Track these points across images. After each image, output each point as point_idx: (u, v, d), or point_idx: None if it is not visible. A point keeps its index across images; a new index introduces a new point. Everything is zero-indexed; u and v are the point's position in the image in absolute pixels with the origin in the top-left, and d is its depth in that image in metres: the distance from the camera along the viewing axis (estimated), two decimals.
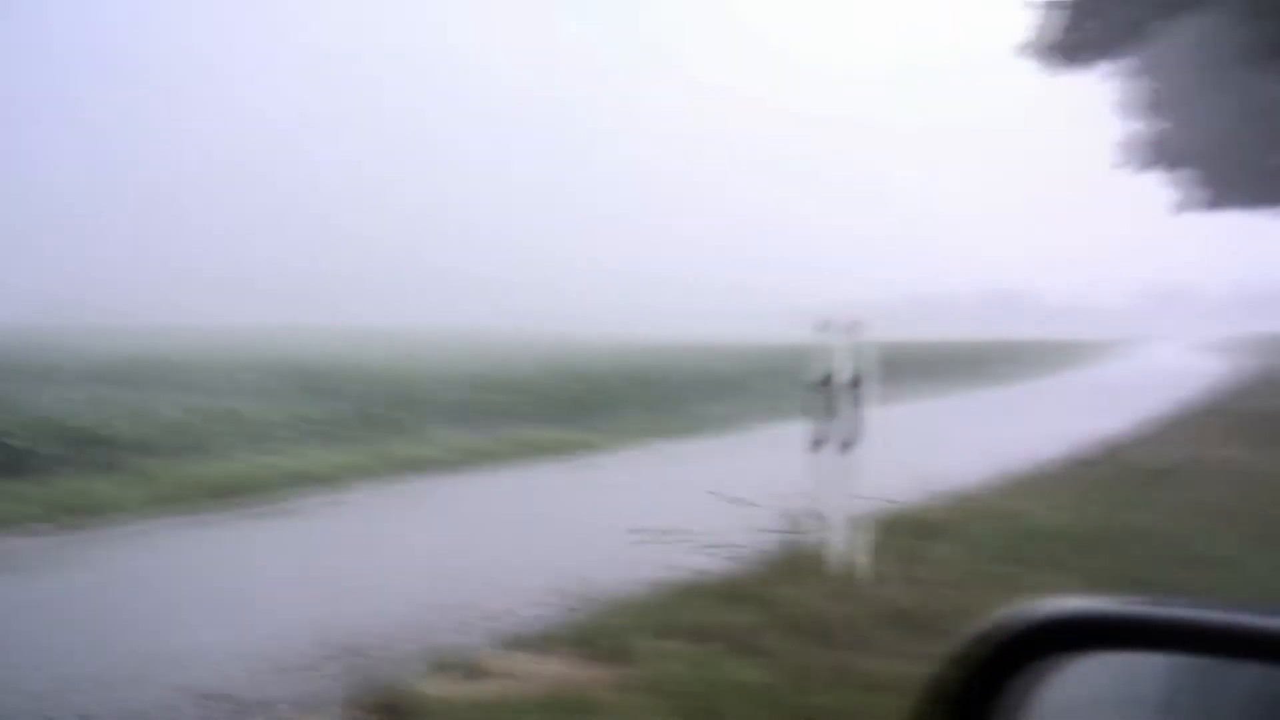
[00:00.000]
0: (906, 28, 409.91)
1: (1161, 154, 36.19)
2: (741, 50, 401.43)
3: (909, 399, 23.77)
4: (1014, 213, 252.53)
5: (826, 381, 7.43)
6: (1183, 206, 37.46)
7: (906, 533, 8.40)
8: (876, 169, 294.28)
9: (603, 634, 6.22)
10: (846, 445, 7.41)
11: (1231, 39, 26.27)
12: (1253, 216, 38.95)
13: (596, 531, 9.73)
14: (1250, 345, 64.49)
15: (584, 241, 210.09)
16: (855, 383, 7.42)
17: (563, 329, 67.46)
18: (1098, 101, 38.82)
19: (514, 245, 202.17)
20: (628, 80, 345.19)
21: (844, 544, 7.29)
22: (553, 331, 62.29)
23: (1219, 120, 32.11)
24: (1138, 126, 36.91)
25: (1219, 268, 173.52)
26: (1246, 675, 1.06)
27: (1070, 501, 9.86)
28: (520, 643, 6.31)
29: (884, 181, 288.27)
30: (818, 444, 7.48)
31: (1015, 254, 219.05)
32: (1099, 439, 14.78)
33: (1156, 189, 38.67)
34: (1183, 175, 36.77)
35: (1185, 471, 11.39)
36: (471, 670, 5.83)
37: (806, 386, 7.63)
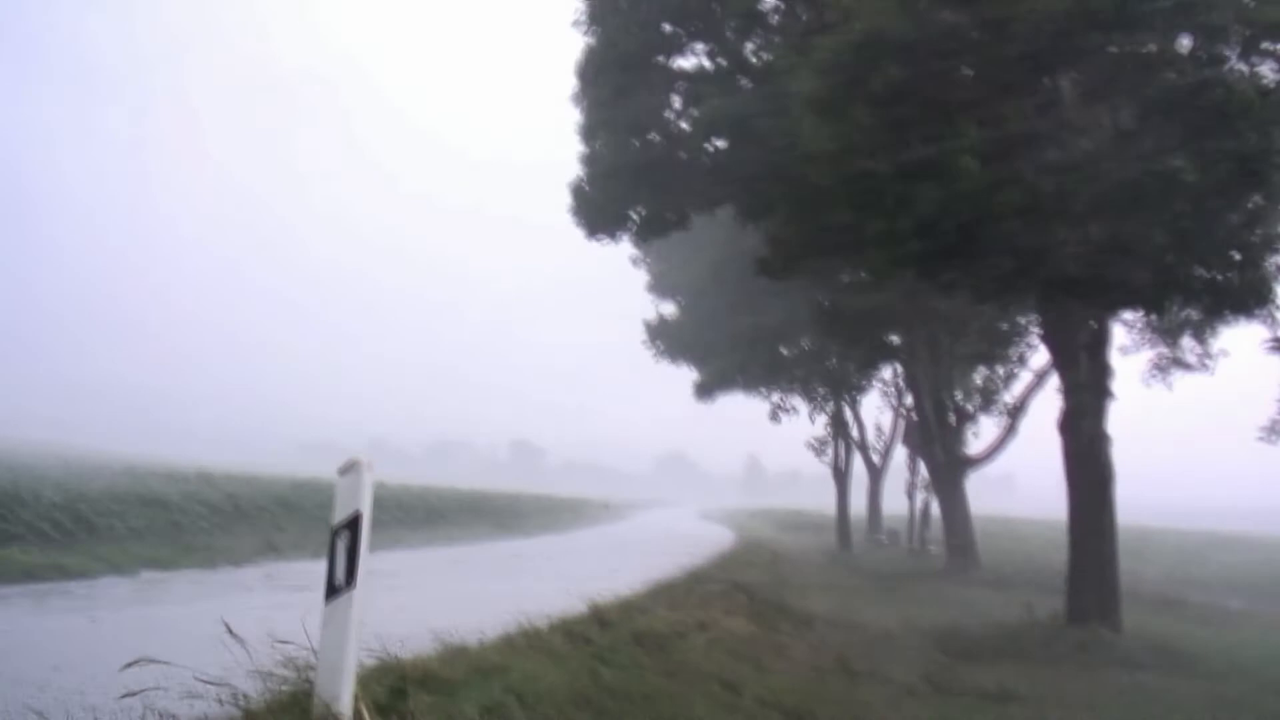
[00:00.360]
0: (466, 184, 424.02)
1: (675, 339, 39.37)
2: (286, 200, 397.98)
3: (429, 545, 23.35)
4: (549, 370, 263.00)
5: (346, 524, 6.79)
6: (696, 386, 40.63)
7: (401, 684, 7.91)
8: (416, 315, 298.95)
9: None
10: (341, 591, 6.79)
11: (731, 248, 29.30)
12: (751, 398, 43.08)
13: None
14: (744, 516, 70.69)
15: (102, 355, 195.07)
16: (356, 524, 6.84)
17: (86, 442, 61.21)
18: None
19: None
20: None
21: (334, 694, 6.63)
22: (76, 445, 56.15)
23: (722, 316, 35.55)
24: (662, 310, 40.13)
25: (724, 443, 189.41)
26: None
27: (563, 661, 9.76)
28: None
29: (423, 325, 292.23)
30: (332, 589, 6.77)
31: (543, 411, 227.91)
32: (606, 596, 15.00)
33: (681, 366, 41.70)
34: (691, 358, 40.17)
35: (681, 638, 11.73)
36: None
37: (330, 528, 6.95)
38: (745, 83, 20.20)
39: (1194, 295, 14.16)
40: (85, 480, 21.70)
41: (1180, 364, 27.21)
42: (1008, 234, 13.63)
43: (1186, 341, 26.68)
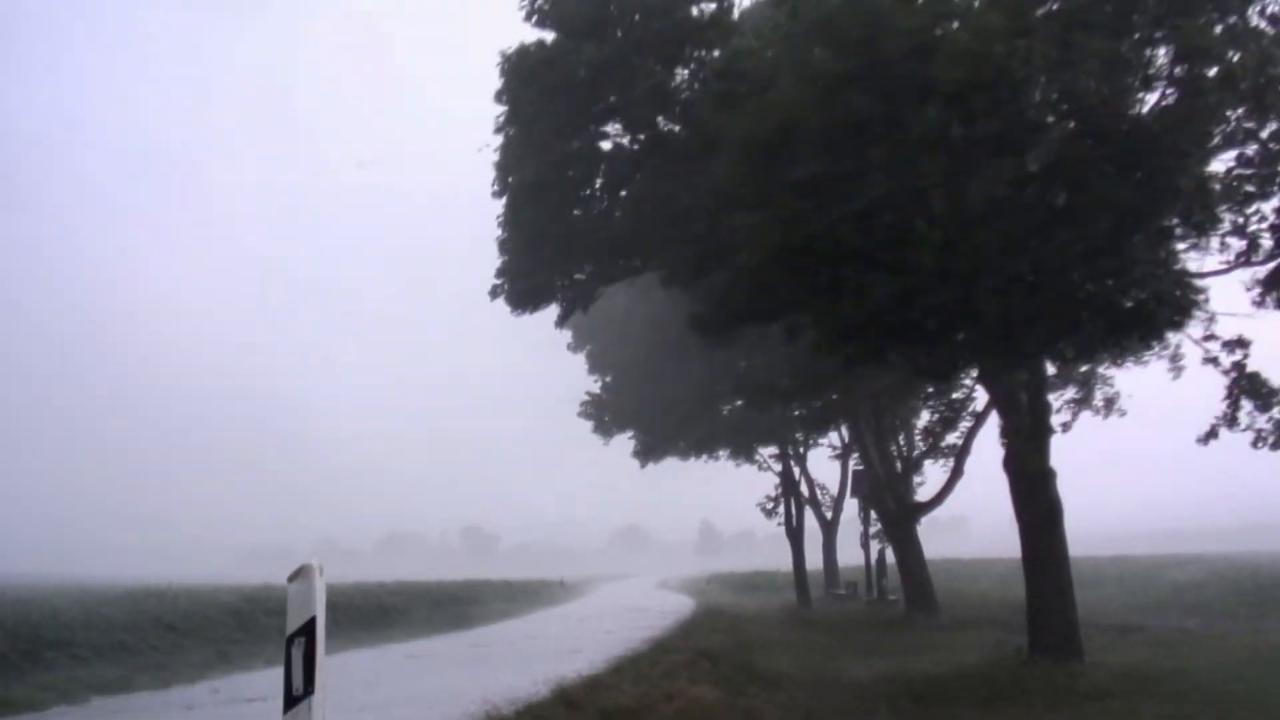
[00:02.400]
0: (402, 259, 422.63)
1: (607, 410, 39.57)
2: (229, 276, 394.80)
3: (385, 642, 22.97)
4: (495, 455, 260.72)
5: (301, 630, 6.64)
6: (636, 454, 40.77)
7: None
8: (349, 405, 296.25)
9: None
10: (300, 699, 6.64)
11: (659, 316, 29.72)
12: (690, 465, 43.34)
13: None
14: (702, 582, 70.52)
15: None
16: (312, 630, 6.72)
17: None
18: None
19: None
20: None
21: None
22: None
23: (651, 385, 35.86)
24: (592, 383, 40.39)
25: (676, 511, 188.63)
26: None
27: None
28: None
29: (361, 418, 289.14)
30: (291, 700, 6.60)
31: (493, 495, 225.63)
32: (576, 676, 14.85)
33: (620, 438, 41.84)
34: (629, 429, 40.39)
35: (649, 711, 11.62)
36: None
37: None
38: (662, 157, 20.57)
39: (1116, 322, 14.46)
40: (24, 608, 21.02)
41: (1089, 406, 29.01)
42: (946, 299, 13.96)
43: (1096, 388, 28.70)
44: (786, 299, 16.60)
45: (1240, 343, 15.79)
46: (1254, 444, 16.17)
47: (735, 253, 16.72)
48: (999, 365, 17.31)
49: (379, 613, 31.01)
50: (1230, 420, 16.20)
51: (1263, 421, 16.03)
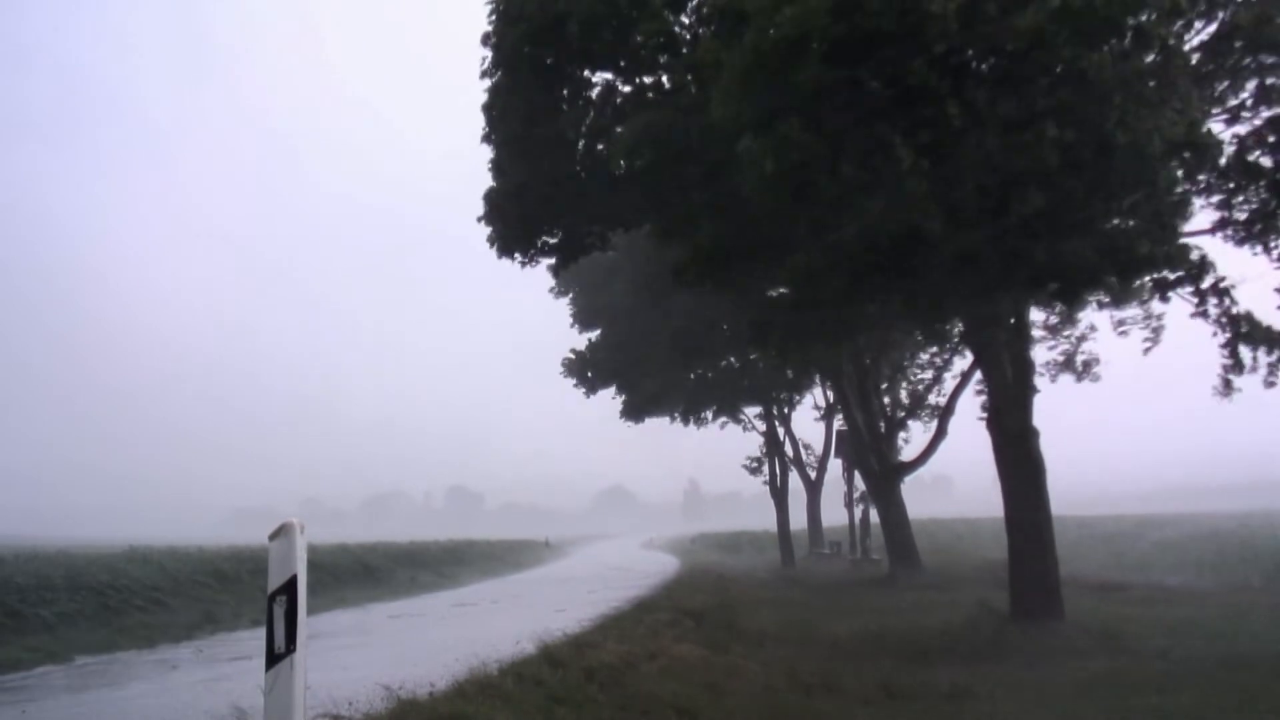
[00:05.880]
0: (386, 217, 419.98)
1: (599, 366, 39.33)
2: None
3: (371, 602, 23.00)
4: (481, 415, 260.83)
5: (282, 588, 6.62)
6: (623, 414, 40.50)
7: None
8: (337, 367, 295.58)
9: None
10: (282, 656, 6.63)
11: (646, 270, 29.39)
12: (676, 427, 43.23)
13: None
14: (686, 542, 70.93)
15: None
16: (293, 588, 6.70)
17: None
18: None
19: None
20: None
21: None
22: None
23: (638, 341, 35.67)
24: (580, 339, 40.11)
25: (661, 472, 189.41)
26: None
27: (517, 704, 9.64)
28: None
29: (348, 380, 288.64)
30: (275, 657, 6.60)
31: (478, 456, 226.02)
32: (555, 635, 14.91)
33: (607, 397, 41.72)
34: (616, 386, 40.16)
35: (632, 669, 11.68)
36: None
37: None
38: (657, 100, 20.17)
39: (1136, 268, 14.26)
40: (11, 570, 20.94)
41: (1071, 368, 28.91)
42: (951, 235, 13.78)
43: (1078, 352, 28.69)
44: (782, 231, 16.30)
45: (1220, 289, 15.64)
46: (1266, 384, 16.10)
47: (729, 194, 16.44)
48: (985, 315, 17.19)
49: (363, 572, 31.09)
50: (1235, 367, 16.08)
51: (1270, 360, 15.90)
